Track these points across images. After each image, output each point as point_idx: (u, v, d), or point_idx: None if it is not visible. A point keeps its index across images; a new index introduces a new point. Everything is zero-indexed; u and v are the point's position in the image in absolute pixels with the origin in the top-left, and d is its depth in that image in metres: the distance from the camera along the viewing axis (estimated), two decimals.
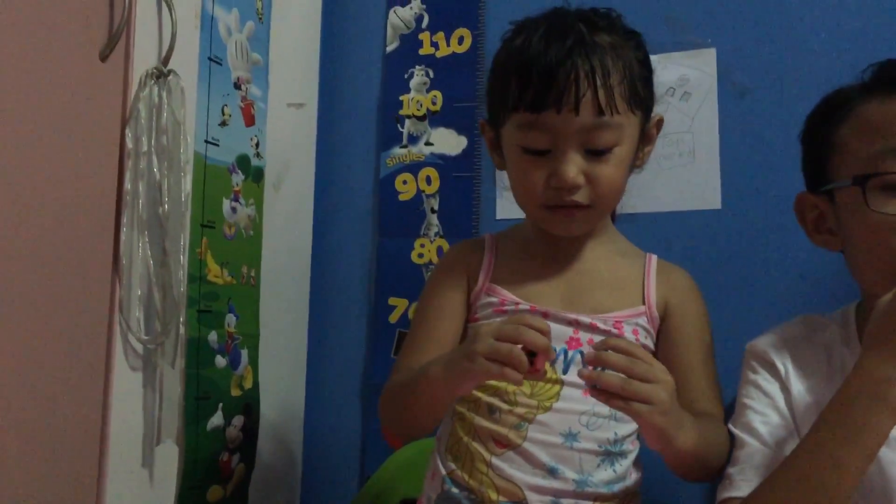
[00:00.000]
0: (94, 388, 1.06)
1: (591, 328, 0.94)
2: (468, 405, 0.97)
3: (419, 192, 1.56)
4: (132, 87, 1.12)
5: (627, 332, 0.94)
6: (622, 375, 0.77)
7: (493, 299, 0.98)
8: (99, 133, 1.07)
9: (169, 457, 1.18)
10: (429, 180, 1.55)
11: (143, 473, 1.14)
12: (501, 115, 0.94)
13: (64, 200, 1.01)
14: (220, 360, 1.29)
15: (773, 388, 0.88)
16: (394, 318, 1.54)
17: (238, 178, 1.35)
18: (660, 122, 0.99)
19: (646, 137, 0.97)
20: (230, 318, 1.32)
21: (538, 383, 0.93)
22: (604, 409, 0.91)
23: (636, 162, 0.97)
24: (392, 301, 1.54)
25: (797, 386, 0.87)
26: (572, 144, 0.89)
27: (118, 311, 1.08)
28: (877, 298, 0.72)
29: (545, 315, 0.94)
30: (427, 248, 1.53)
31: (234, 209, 1.34)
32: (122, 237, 1.09)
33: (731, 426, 0.89)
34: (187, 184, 1.17)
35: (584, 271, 0.98)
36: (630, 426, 0.93)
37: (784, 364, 0.89)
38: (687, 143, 1.35)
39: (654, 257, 1.02)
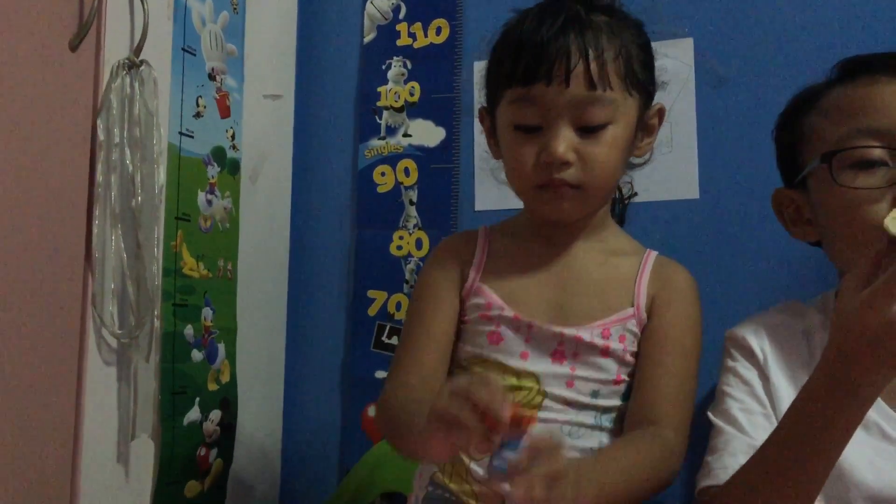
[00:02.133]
0: (66, 383, 1.04)
1: (576, 341, 0.91)
2: None
3: (398, 183, 1.55)
4: (103, 78, 1.10)
5: (615, 338, 0.92)
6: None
7: (481, 301, 0.96)
8: (69, 124, 1.05)
9: (145, 452, 1.17)
10: (407, 172, 1.54)
11: (117, 469, 1.12)
12: (496, 96, 0.93)
13: (34, 192, 0.99)
14: (197, 355, 1.27)
15: (751, 375, 0.88)
16: (373, 310, 1.53)
17: (214, 171, 1.34)
18: (661, 112, 0.96)
19: (646, 127, 0.94)
20: (206, 312, 1.31)
21: (521, 393, 0.91)
22: (588, 418, 0.91)
23: (635, 151, 0.94)
24: (371, 293, 1.53)
25: (776, 372, 0.88)
26: (563, 119, 0.86)
27: (91, 304, 1.07)
28: None
29: (529, 327, 0.92)
30: (406, 241, 1.53)
31: (209, 202, 1.32)
32: (95, 230, 1.07)
33: (709, 413, 0.89)
34: (161, 175, 1.15)
35: (575, 273, 0.95)
36: (614, 435, 0.93)
37: (763, 351, 0.89)
38: (664, 132, 1.34)
39: (654, 254, 0.98)
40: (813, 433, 0.70)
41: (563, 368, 0.92)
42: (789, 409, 0.72)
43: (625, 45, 0.88)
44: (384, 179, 1.55)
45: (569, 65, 0.84)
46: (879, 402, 0.82)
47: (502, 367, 0.93)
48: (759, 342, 0.90)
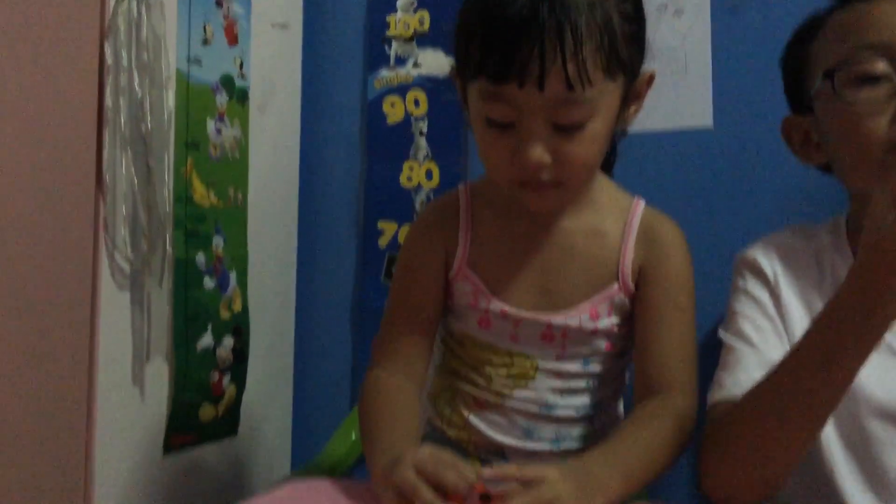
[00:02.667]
0: (80, 306, 1.05)
1: (564, 329, 0.91)
2: (449, 370, 0.97)
3: (407, 114, 1.53)
4: (110, 1, 1.08)
5: (604, 315, 0.91)
6: None
7: (467, 288, 0.93)
8: (77, 48, 1.05)
9: (159, 375, 1.19)
10: (417, 103, 1.53)
11: (133, 391, 1.14)
12: (466, 74, 0.83)
13: (44, 116, 0.99)
14: (209, 282, 1.28)
15: (762, 294, 0.88)
16: (383, 242, 1.53)
17: (222, 99, 1.33)
18: (650, 79, 0.86)
19: (632, 97, 0.86)
20: (217, 241, 1.31)
21: (514, 366, 0.92)
22: (580, 383, 0.92)
23: (620, 123, 0.86)
24: (381, 225, 1.53)
25: (787, 292, 0.88)
26: (538, 120, 0.78)
27: (103, 229, 1.07)
28: (864, 198, 0.71)
29: (517, 322, 0.91)
30: (416, 172, 1.52)
31: (218, 130, 1.32)
32: (105, 154, 1.07)
33: (721, 333, 0.89)
34: (170, 100, 1.15)
35: (559, 254, 0.91)
36: (609, 389, 0.95)
37: (774, 270, 0.89)
38: (679, 60, 1.33)
39: (640, 208, 0.93)
40: (834, 352, 0.69)
41: (554, 347, 0.92)
42: (810, 328, 0.72)
43: (608, 21, 0.76)
44: (394, 110, 1.54)
45: (543, 65, 0.74)
46: None
47: (493, 349, 0.94)
48: (769, 262, 0.90)
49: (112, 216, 1.08)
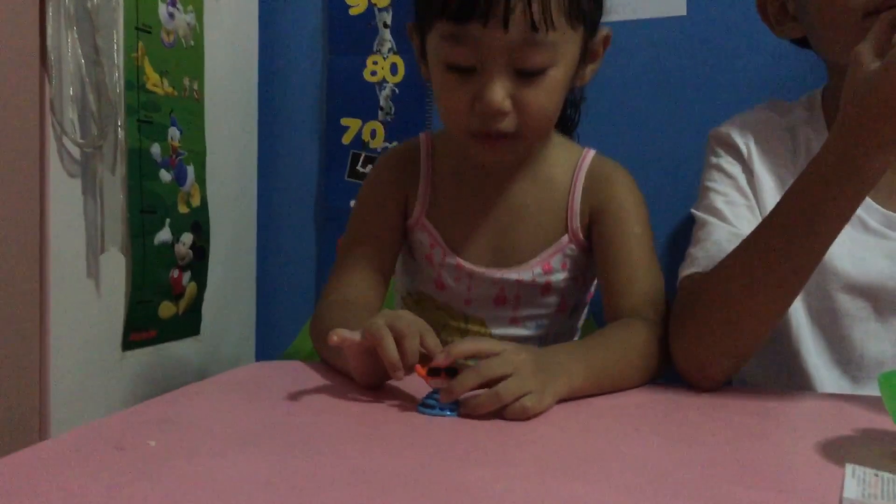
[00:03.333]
0: (29, 192, 1.00)
1: (517, 284, 0.91)
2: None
3: (371, 5, 1.47)
4: None
5: (557, 268, 0.90)
6: (488, 392, 0.63)
7: (424, 239, 0.93)
8: None
9: (115, 269, 1.15)
10: None
11: (88, 284, 1.10)
12: (426, 22, 0.82)
13: None
14: (165, 175, 1.23)
15: (735, 169, 0.87)
16: (347, 138, 1.49)
17: None
18: (607, 39, 0.87)
19: (589, 55, 0.85)
20: (173, 132, 1.26)
21: (469, 332, 0.93)
22: (535, 344, 0.91)
23: (577, 81, 0.85)
24: (345, 121, 1.49)
25: (760, 167, 0.86)
26: (500, 63, 0.77)
27: (50, 110, 1.01)
28: (842, 70, 0.69)
29: (470, 276, 0.91)
30: (380, 66, 1.47)
31: (171, 15, 1.25)
32: (49, 30, 1.00)
33: (693, 210, 0.88)
34: None
35: (512, 211, 0.91)
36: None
37: (747, 145, 0.87)
38: None
39: (589, 157, 0.92)
40: (810, 215, 0.68)
41: (506, 311, 0.93)
42: (787, 192, 0.70)
43: None
44: (356, 0, 1.47)
45: (508, 4, 0.74)
46: None
47: (449, 311, 0.95)
48: (743, 138, 0.87)
49: (58, 97, 1.02)
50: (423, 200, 0.93)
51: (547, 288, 0.92)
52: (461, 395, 0.63)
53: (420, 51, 0.87)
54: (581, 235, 0.90)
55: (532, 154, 0.90)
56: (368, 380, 0.70)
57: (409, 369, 0.65)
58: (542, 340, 0.94)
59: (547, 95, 0.80)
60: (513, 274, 0.91)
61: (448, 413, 0.63)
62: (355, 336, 0.67)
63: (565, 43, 0.79)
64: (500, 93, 0.77)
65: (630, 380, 0.76)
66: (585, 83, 0.88)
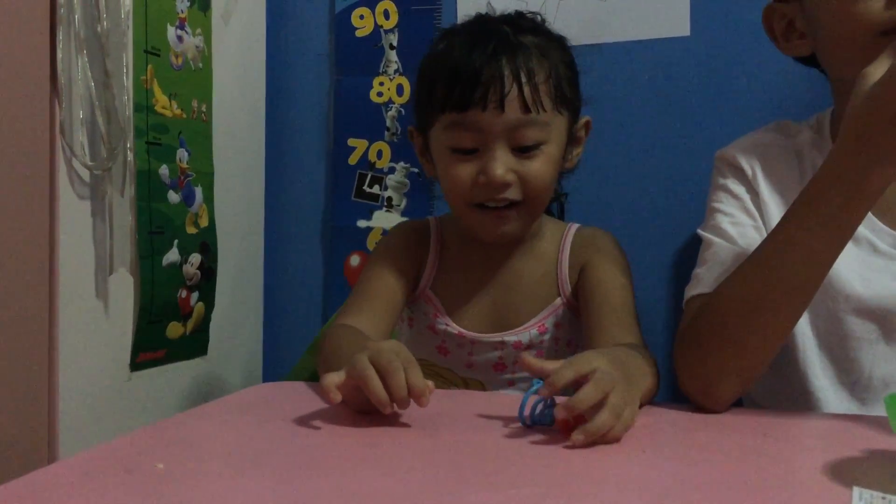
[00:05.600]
0: (39, 214, 1.01)
1: (516, 347, 0.97)
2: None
3: (377, 27, 1.48)
4: None
5: (550, 329, 0.97)
6: (607, 414, 0.62)
7: (429, 309, 1.00)
8: None
9: (124, 290, 1.15)
10: (387, 14, 1.48)
11: (97, 304, 1.11)
12: (429, 119, 0.93)
13: None
14: (173, 196, 1.24)
15: (740, 190, 0.87)
16: (353, 159, 1.49)
17: (183, 5, 1.27)
18: (587, 125, 0.98)
19: (574, 140, 0.96)
20: (182, 154, 1.27)
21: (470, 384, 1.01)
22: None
23: (566, 164, 0.96)
24: (351, 142, 1.50)
25: (766, 189, 0.86)
26: (499, 142, 0.88)
27: (60, 133, 1.02)
28: (849, 88, 0.69)
29: (472, 343, 0.97)
30: (387, 87, 1.48)
31: (180, 38, 1.26)
32: (60, 54, 1.01)
33: (700, 230, 0.88)
34: (126, 1, 1.09)
35: (511, 281, 0.99)
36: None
37: (752, 167, 0.87)
38: None
39: (573, 230, 1.01)
40: (819, 226, 0.68)
41: (505, 375, 0.99)
42: (792, 207, 0.70)
43: (554, 65, 0.90)
44: (363, 23, 1.49)
45: (503, 90, 0.86)
46: (870, 217, 0.81)
47: (451, 374, 1.01)
48: (748, 160, 0.88)
49: (69, 120, 1.03)
50: (430, 273, 1.00)
51: (542, 351, 0.98)
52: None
53: (422, 149, 0.98)
54: (573, 300, 0.97)
55: (531, 231, 0.98)
56: (366, 409, 0.70)
57: (401, 403, 0.65)
58: None
59: (544, 166, 0.90)
60: (511, 336, 0.97)
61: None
62: (341, 376, 0.67)
63: (554, 122, 0.90)
64: (501, 166, 0.88)
65: (649, 393, 0.77)
66: (573, 167, 0.98)
